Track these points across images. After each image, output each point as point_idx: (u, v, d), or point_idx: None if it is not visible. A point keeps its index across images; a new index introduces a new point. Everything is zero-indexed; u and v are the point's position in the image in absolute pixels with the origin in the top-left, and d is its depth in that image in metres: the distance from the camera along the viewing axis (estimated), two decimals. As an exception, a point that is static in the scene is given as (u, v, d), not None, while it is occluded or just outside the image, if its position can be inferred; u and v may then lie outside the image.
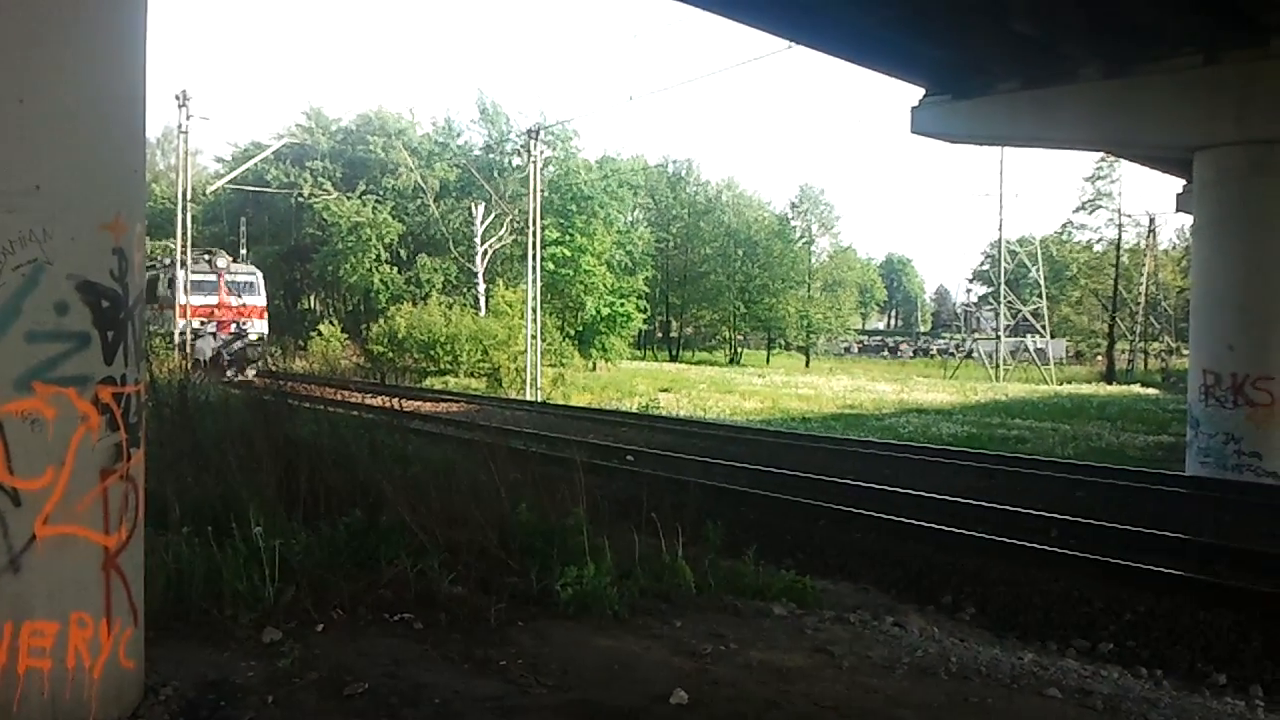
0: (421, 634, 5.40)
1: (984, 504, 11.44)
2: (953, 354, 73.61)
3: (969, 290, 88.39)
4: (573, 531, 6.60)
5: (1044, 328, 63.25)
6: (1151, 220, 64.70)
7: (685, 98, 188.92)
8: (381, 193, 52.11)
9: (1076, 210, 67.72)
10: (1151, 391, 42.31)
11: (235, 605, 5.43)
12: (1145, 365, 61.01)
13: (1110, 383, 49.77)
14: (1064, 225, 73.83)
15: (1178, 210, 27.64)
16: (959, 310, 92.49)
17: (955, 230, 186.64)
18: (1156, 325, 64.65)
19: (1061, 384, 48.65)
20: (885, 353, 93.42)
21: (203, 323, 31.56)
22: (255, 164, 47.97)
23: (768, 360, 75.20)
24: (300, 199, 51.76)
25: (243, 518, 6.02)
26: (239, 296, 32.73)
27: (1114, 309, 61.20)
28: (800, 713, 4.50)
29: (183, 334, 31.37)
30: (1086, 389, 43.48)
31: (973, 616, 7.93)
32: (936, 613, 7.86)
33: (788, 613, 6.36)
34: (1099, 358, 63.50)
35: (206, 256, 33.91)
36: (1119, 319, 61.94)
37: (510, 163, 53.24)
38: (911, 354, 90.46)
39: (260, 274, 35.85)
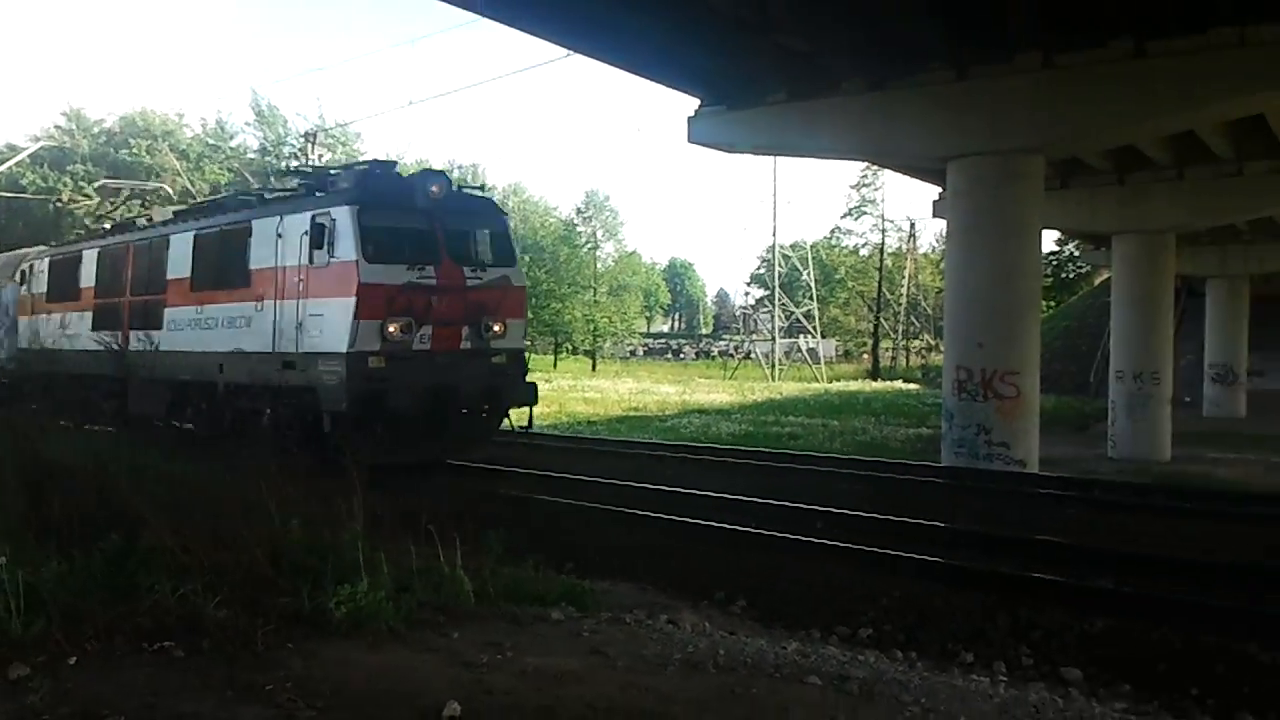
0: (183, 662, 5.19)
1: (758, 500, 11.92)
2: (732, 355, 75.98)
3: (747, 293, 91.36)
4: (348, 547, 6.49)
5: (815, 328, 66.26)
6: (912, 225, 69.28)
7: (470, 102, 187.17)
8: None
9: (844, 216, 71.80)
10: (913, 387, 44.97)
11: (-23, 642, 5.08)
12: (907, 362, 64.94)
13: (875, 379, 52.60)
14: (833, 231, 77.83)
15: (934, 216, 29.23)
16: (738, 313, 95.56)
17: (734, 235, 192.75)
18: (917, 324, 68.88)
19: (831, 382, 51.10)
20: (669, 355, 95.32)
21: (403, 330, 13.33)
22: (9, 168, 44.58)
23: (555, 364, 75.41)
24: (59, 204, 48.62)
25: (-16, 547, 5.63)
26: (477, 268, 14.39)
27: (878, 310, 64.80)
28: (574, 716, 4.58)
29: (365, 358, 13.06)
30: (854, 386, 45.89)
31: (744, 609, 8.21)
32: (710, 608, 8.11)
33: (566, 617, 6.45)
34: (865, 356, 67.06)
35: (381, 166, 15.11)
36: (883, 319, 65.62)
37: (288, 166, 51.59)
38: (694, 356, 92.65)
39: (509, 218, 16.56)
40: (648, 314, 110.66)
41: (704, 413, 29.10)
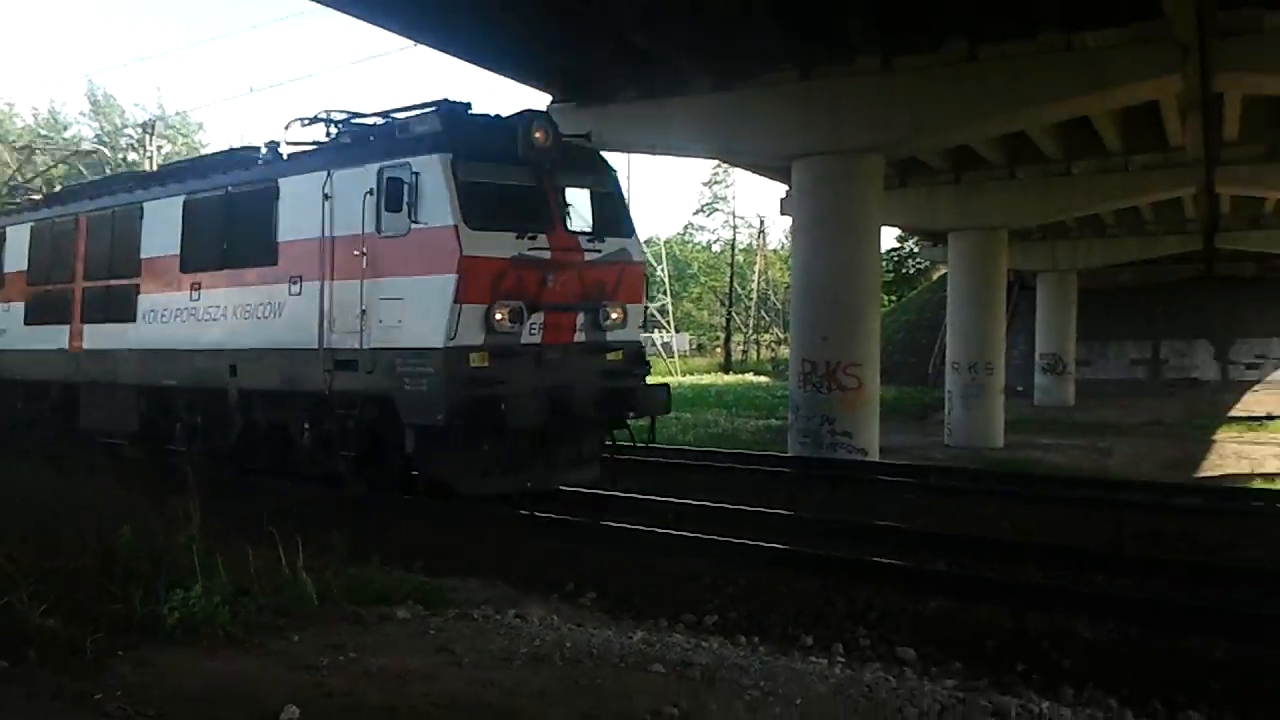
0: (7, 673, 4.96)
1: (609, 493, 11.98)
2: (589, 350, 76.05)
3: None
4: (183, 551, 6.29)
5: (669, 323, 66.97)
6: (762, 222, 70.81)
7: (316, 90, 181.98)
8: (-28, 191, 46.77)
9: (696, 213, 72.79)
10: (763, 379, 45.92)
11: None
12: (758, 355, 66.30)
13: (727, 372, 53.45)
14: (686, 227, 78.91)
15: (782, 213, 29.81)
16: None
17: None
18: (767, 318, 70.35)
19: (685, 375, 51.65)
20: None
21: (512, 318, 10.35)
22: None
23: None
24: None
25: None
26: (594, 237, 11.25)
27: (730, 304, 65.91)
28: (418, 713, 4.55)
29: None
30: (707, 379, 46.55)
31: (593, 601, 8.22)
32: (559, 601, 8.10)
33: (412, 615, 6.39)
34: (718, 349, 68.08)
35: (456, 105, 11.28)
36: (735, 313, 66.78)
37: (126, 158, 49.36)
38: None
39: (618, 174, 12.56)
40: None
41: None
